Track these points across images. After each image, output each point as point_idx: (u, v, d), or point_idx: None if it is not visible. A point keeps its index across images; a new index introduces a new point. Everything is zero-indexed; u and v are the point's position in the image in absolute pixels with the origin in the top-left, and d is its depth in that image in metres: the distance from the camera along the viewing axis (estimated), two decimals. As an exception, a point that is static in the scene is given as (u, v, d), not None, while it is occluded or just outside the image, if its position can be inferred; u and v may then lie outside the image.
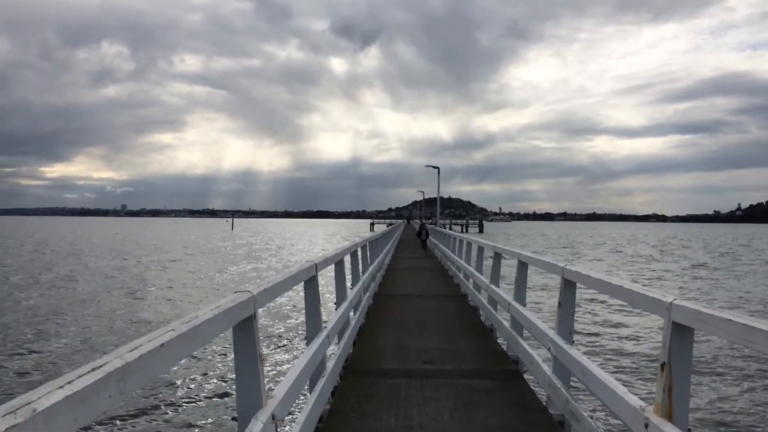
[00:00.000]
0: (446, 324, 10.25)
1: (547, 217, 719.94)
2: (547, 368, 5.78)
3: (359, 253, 10.71)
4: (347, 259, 9.64)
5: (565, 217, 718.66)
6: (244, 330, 3.35)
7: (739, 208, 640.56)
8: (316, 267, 5.65)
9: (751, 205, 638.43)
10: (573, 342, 5.46)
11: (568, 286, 5.49)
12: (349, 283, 9.80)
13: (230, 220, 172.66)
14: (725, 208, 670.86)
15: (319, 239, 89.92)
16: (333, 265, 7.52)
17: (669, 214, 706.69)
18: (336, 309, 7.62)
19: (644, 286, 3.92)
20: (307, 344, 5.46)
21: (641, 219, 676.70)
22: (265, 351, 14.43)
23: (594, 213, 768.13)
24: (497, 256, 9.86)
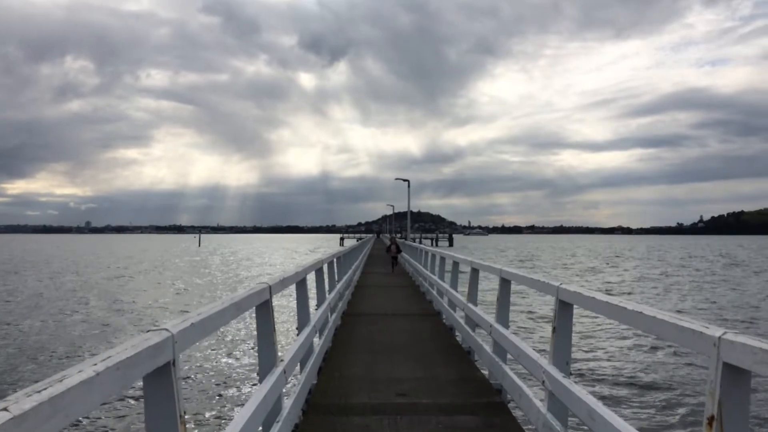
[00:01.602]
0: (420, 347, 9.42)
1: (515, 230, 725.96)
2: (540, 404, 4.99)
3: (325, 270, 9.86)
4: (311, 277, 8.80)
5: (533, 230, 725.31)
6: (158, 382, 2.49)
7: (701, 221, 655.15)
8: (270, 290, 4.79)
9: (712, 217, 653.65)
10: (570, 373, 4.70)
11: (564, 309, 4.73)
12: (313, 303, 8.98)
13: (198, 235, 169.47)
14: (688, 221, 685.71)
15: (278, 255, 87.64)
16: (294, 285, 6.68)
17: (634, 226, 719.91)
18: (298, 334, 6.77)
19: (679, 312, 3.12)
20: (260, 382, 4.60)
21: (607, 231, 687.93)
22: (207, 392, 12.32)
23: (561, 226, 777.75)
24: (474, 272, 9.10)
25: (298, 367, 6.34)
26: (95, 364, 1.90)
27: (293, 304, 17.58)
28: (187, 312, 3.19)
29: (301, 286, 6.89)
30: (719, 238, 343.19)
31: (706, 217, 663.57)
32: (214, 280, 40.90)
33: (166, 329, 2.54)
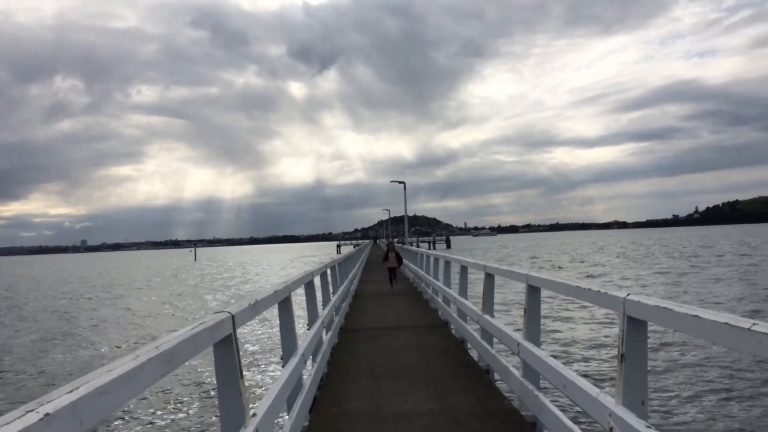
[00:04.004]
0: (430, 368, 8.10)
1: (512, 229, 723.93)
2: (606, 458, 3.71)
3: (317, 284, 8.56)
4: (300, 292, 7.53)
5: (529, 228, 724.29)
6: None
7: (696, 212, 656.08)
8: (234, 320, 3.51)
9: (707, 208, 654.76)
10: (648, 417, 3.43)
11: (636, 329, 3.46)
12: (302, 325, 7.71)
13: (193, 250, 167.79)
14: (683, 212, 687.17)
15: (264, 266, 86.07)
16: (276, 305, 5.42)
17: (629, 220, 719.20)
18: (283, 366, 5.48)
19: None
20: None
21: (603, 227, 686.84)
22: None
23: (557, 223, 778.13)
24: (489, 278, 7.81)
25: (284, 411, 5.07)
26: None
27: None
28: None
29: (285, 306, 5.60)
30: (717, 228, 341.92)
31: (702, 207, 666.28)
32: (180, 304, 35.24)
33: None
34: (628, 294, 3.50)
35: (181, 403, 12.53)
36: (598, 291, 3.97)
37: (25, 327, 26.50)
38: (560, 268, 51.93)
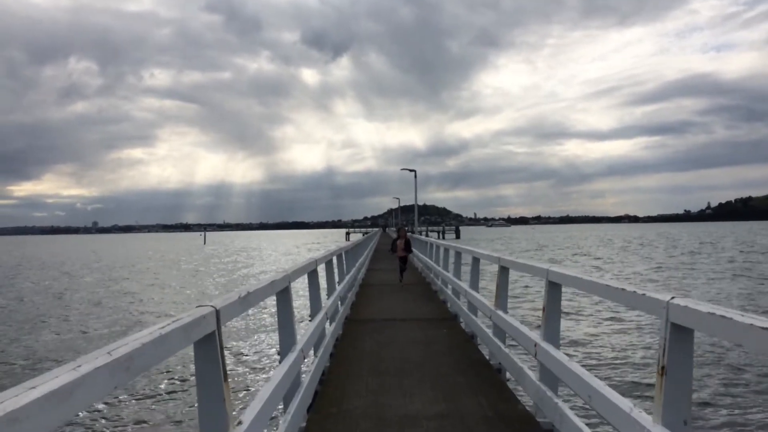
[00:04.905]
0: (438, 365, 7.64)
1: (522, 221, 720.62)
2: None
3: (321, 272, 8.11)
4: (303, 280, 7.12)
5: (539, 220, 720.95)
6: None
7: (708, 207, 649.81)
8: (218, 315, 3.07)
9: (720, 204, 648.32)
10: (691, 439, 2.97)
11: (681, 337, 2.99)
12: (300, 314, 7.28)
13: (203, 233, 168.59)
14: (695, 207, 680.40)
15: (267, 251, 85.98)
16: (275, 296, 5.01)
17: (641, 214, 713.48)
18: (280, 362, 5.06)
19: None
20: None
21: (614, 220, 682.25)
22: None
23: (568, 216, 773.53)
24: (503, 272, 7.33)
25: (279, 411, 4.66)
26: None
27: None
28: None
29: (284, 297, 5.17)
30: (729, 224, 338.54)
31: (714, 203, 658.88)
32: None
33: None
34: (673, 297, 3.03)
35: (152, 409, 10.70)
36: (634, 292, 3.48)
37: (20, 308, 26.17)
38: (558, 261, 51.32)
